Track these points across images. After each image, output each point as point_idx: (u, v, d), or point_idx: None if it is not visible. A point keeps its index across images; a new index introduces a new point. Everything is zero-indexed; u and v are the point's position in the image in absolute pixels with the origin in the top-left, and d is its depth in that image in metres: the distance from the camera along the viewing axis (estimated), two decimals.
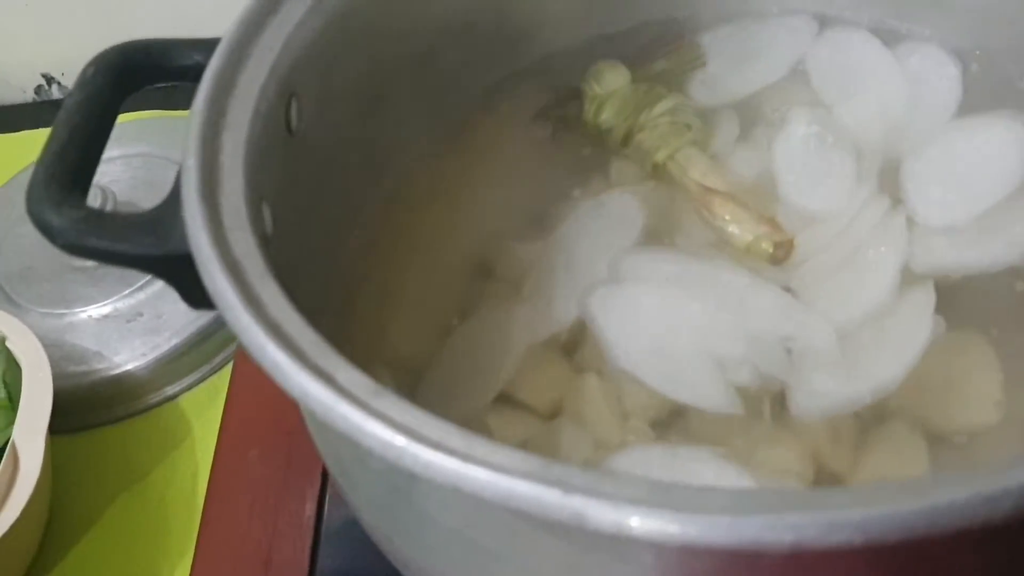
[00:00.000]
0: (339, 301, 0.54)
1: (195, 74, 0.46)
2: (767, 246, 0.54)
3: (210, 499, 0.64)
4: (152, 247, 0.41)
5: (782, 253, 0.54)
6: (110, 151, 0.81)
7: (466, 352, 0.55)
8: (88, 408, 0.74)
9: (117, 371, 0.73)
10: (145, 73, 0.48)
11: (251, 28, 0.47)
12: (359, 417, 0.33)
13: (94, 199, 0.77)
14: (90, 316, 0.75)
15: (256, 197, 0.44)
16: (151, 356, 0.73)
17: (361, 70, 0.54)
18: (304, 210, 0.50)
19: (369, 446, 0.33)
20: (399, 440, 0.32)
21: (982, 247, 0.54)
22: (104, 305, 0.75)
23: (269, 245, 0.44)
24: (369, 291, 0.56)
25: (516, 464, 0.32)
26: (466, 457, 0.32)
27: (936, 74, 0.60)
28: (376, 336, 0.55)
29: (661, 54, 0.64)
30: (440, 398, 0.53)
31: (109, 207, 0.77)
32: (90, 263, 0.74)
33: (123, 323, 0.74)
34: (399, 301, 0.56)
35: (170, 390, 0.74)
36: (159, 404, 0.74)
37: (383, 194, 0.58)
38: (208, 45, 0.47)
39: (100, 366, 0.74)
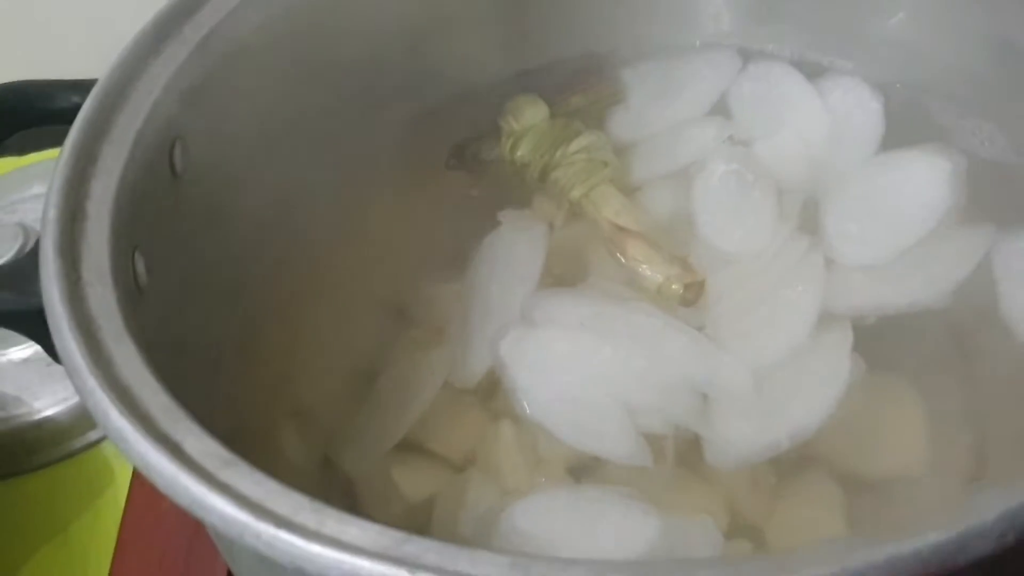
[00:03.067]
0: (239, 349, 0.52)
1: (74, 117, 0.44)
2: (677, 287, 0.53)
3: (119, 553, 0.62)
4: (8, 302, 0.39)
5: (692, 295, 0.53)
6: (31, 188, 0.81)
7: (375, 400, 0.53)
8: (8, 456, 0.72)
9: (38, 416, 0.71)
10: (21, 116, 0.46)
11: (130, 70, 0.45)
12: (200, 490, 0.31)
13: (15, 238, 0.75)
14: (9, 360, 0.73)
15: (127, 247, 0.42)
16: (72, 401, 0.71)
17: (258, 110, 0.52)
18: (192, 256, 0.48)
19: (211, 522, 0.31)
20: (241, 516, 0.30)
21: (901, 287, 0.52)
22: (24, 348, 0.73)
23: (143, 298, 0.42)
24: (273, 337, 0.54)
25: (367, 540, 0.30)
26: (312, 535, 0.30)
27: (859, 108, 0.59)
28: (283, 385, 0.53)
29: (580, 89, 0.63)
30: (346, 448, 0.51)
31: (30, 246, 0.75)
32: None
33: (44, 367, 0.72)
34: (306, 348, 0.54)
35: (92, 435, 0.72)
36: (82, 450, 0.72)
37: (287, 235, 0.56)
38: (89, 87, 0.45)
39: (20, 411, 0.71)
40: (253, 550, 0.31)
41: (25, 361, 0.73)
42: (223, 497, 0.31)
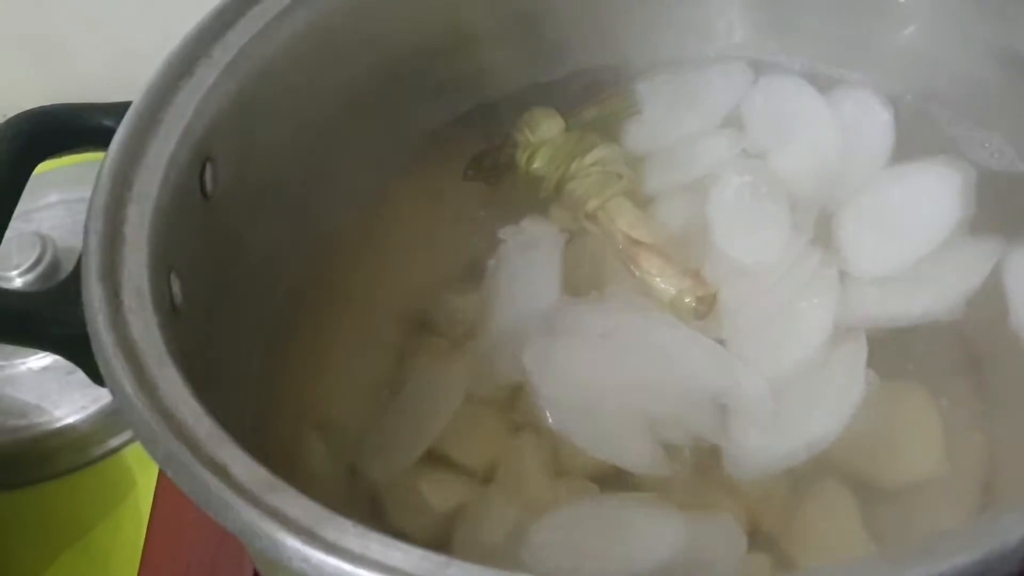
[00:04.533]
0: (266, 364, 0.53)
1: (107, 139, 0.45)
2: (690, 300, 0.54)
3: (145, 564, 0.62)
4: (52, 327, 0.40)
5: (704, 307, 0.54)
6: (49, 196, 0.82)
7: (400, 410, 0.54)
8: (29, 463, 0.72)
9: (58, 424, 0.72)
10: (55, 140, 0.47)
11: (161, 94, 0.46)
12: (251, 515, 0.32)
13: (32, 247, 0.76)
14: (30, 368, 0.74)
15: (163, 269, 0.43)
16: (93, 408, 0.72)
17: (284, 129, 0.53)
18: (222, 275, 0.49)
19: (260, 546, 0.32)
20: (291, 541, 0.32)
21: (914, 298, 0.53)
22: (44, 356, 0.73)
23: (178, 317, 0.43)
24: (298, 351, 0.55)
25: (411, 564, 0.31)
26: (358, 559, 0.31)
27: (869, 120, 0.59)
28: (307, 397, 0.54)
29: (595, 101, 0.63)
30: (372, 458, 0.52)
31: (48, 255, 0.76)
32: None
33: (64, 375, 0.73)
34: (331, 360, 0.55)
35: (113, 443, 0.73)
36: (102, 457, 0.73)
37: (311, 250, 0.57)
38: (120, 110, 0.46)
39: (41, 420, 0.72)
40: (301, 573, 0.32)
41: (45, 369, 0.74)
42: (273, 522, 0.32)
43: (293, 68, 0.52)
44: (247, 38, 0.49)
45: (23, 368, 0.74)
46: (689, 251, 0.57)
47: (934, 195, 0.56)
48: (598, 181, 0.60)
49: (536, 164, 0.61)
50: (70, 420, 0.72)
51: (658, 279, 0.55)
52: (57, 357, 0.71)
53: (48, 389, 0.73)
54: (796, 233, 0.56)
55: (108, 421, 0.72)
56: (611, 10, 0.63)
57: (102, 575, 0.67)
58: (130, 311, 0.39)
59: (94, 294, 0.39)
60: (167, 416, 0.35)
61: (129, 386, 0.36)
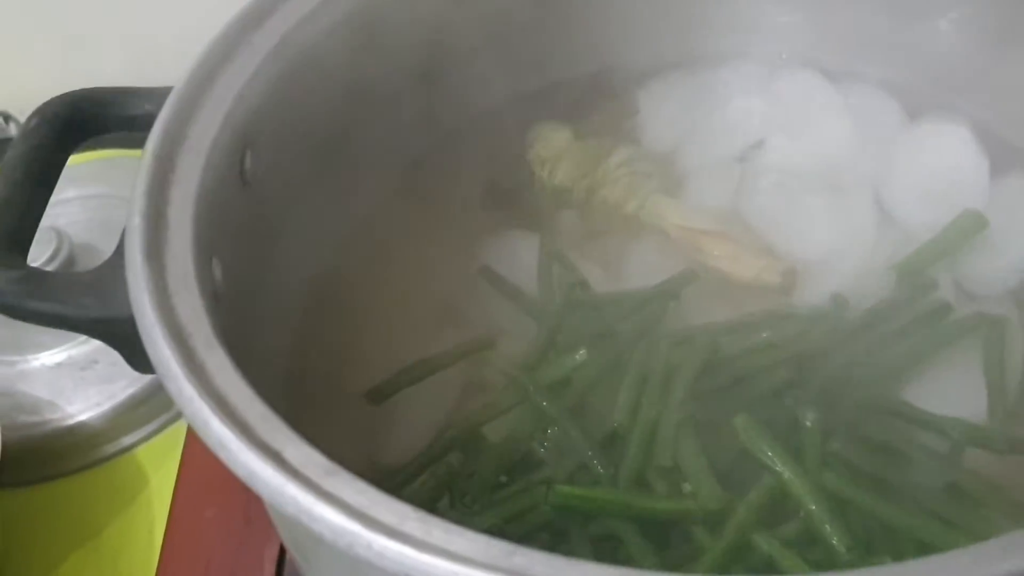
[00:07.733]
0: (299, 341, 0.52)
1: (146, 124, 0.45)
2: (775, 277, 0.54)
3: (164, 563, 0.61)
4: (94, 309, 0.39)
5: (789, 280, 0.54)
6: (66, 192, 0.81)
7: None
8: (40, 460, 0.71)
9: (71, 421, 0.71)
10: (93, 124, 0.46)
11: (203, 78, 0.46)
12: (309, 500, 0.31)
13: (48, 242, 0.75)
14: (43, 364, 0.72)
15: (206, 253, 0.42)
16: (106, 405, 0.71)
17: (320, 116, 0.52)
18: (260, 259, 0.48)
19: (319, 532, 0.31)
20: (352, 526, 0.31)
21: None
22: (57, 352, 0.72)
23: (219, 302, 0.42)
24: (329, 333, 0.54)
25: (475, 551, 0.30)
26: (422, 545, 0.30)
27: (879, 108, 0.60)
28: (335, 372, 0.53)
29: (598, 105, 0.63)
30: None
31: (64, 250, 0.75)
32: None
33: (77, 371, 0.72)
34: (362, 338, 0.54)
35: (126, 441, 0.72)
36: (115, 456, 0.72)
37: (344, 235, 0.56)
38: (160, 95, 0.46)
39: (53, 416, 0.71)
40: (362, 560, 0.31)
41: (58, 365, 0.73)
42: (332, 507, 0.31)
43: (332, 56, 0.51)
44: (289, 25, 0.49)
45: (36, 364, 0.73)
46: (748, 231, 0.57)
47: (958, 151, 0.57)
48: (630, 183, 0.59)
49: (560, 176, 0.60)
50: (83, 417, 0.71)
51: (731, 263, 0.55)
52: (71, 353, 0.72)
53: (62, 385, 0.72)
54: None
55: (122, 419, 0.71)
56: (617, 12, 0.62)
57: (113, 573, 0.65)
58: (176, 294, 0.38)
59: (140, 275, 0.38)
60: (218, 399, 0.34)
61: (178, 367, 0.35)
